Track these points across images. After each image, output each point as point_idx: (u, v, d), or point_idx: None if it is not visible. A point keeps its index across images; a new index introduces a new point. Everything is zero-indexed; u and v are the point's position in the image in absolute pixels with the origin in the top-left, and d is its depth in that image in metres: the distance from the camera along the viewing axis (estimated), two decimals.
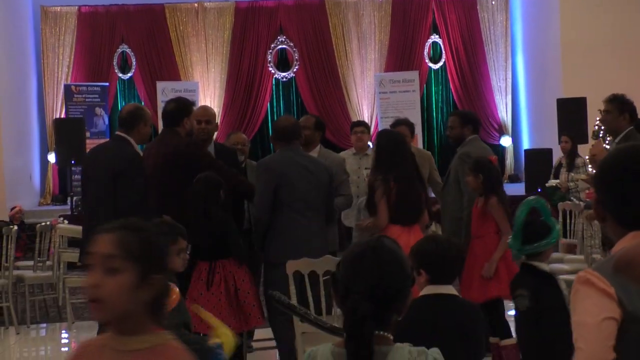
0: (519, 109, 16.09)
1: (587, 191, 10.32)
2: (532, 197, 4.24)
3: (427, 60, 16.14)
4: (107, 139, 14.94)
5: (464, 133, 6.08)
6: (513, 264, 5.35)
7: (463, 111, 7.17)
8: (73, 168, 13.22)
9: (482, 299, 5.17)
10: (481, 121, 6.23)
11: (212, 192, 5.07)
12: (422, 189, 5.47)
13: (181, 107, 5.45)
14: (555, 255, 7.56)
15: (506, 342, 5.18)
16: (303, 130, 6.02)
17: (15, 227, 8.16)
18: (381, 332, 2.04)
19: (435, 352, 2.10)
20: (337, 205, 5.74)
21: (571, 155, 9.55)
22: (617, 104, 5.92)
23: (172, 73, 15.58)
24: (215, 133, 6.10)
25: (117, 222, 1.95)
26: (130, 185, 4.93)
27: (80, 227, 8.83)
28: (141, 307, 1.89)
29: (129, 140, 5.11)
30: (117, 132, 5.24)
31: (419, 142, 14.61)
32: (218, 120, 15.55)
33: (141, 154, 5.13)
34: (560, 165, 9.63)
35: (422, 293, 3.23)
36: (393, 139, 5.38)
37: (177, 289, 2.91)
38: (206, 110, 6.09)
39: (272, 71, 15.98)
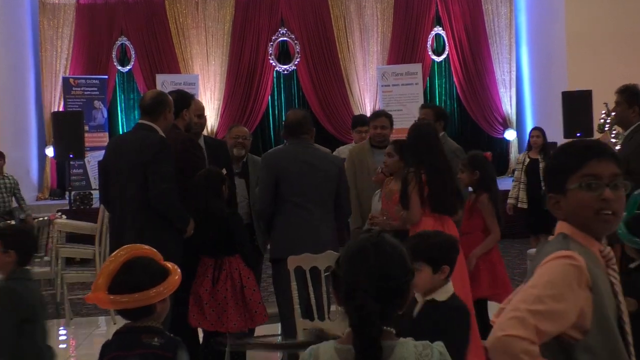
0: (523, 102, 16.04)
1: None
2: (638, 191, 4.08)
3: (430, 53, 16.09)
4: (106, 132, 15.00)
5: (437, 128, 6.00)
6: (496, 267, 5.32)
7: (435, 105, 7.04)
8: (71, 162, 13.21)
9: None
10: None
11: (213, 186, 5.04)
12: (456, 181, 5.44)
13: (181, 99, 5.41)
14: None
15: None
16: None
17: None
18: (385, 327, 2.03)
19: (439, 345, 2.09)
20: None
21: (544, 149, 9.25)
22: (627, 96, 5.81)
23: (172, 66, 15.54)
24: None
25: None
26: (160, 172, 4.86)
27: (78, 223, 8.83)
28: None
29: (154, 128, 5.03)
30: (141, 121, 5.13)
31: None
32: (219, 113, 15.54)
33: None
34: (533, 161, 9.19)
35: None
36: (420, 131, 5.31)
37: (179, 271, 2.84)
38: (200, 103, 6.08)
39: (273, 64, 15.94)
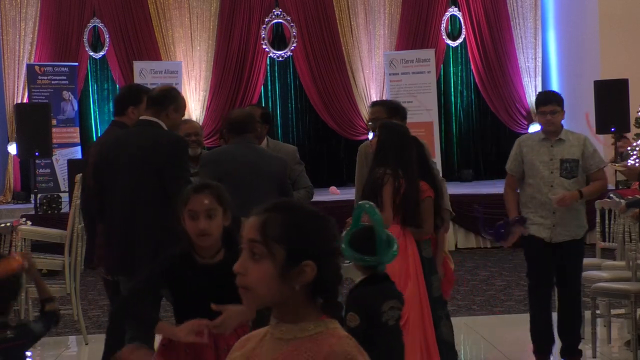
0: None
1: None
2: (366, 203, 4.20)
3: (444, 37, 16.11)
4: (76, 127, 14.99)
5: None
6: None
7: (388, 101, 7.07)
8: (37, 161, 13.21)
9: None
10: (406, 113, 6.19)
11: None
12: (433, 185, 5.54)
13: (129, 95, 5.47)
14: (592, 260, 7.54)
15: None
16: None
17: None
18: None
19: None
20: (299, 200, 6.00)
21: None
22: None
23: (151, 52, 15.55)
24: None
25: (268, 203, 2.06)
26: (185, 177, 4.83)
27: (46, 229, 8.84)
28: (297, 295, 2.01)
29: (158, 123, 4.98)
30: (142, 117, 5.09)
31: (434, 131, 14.60)
32: (204, 106, 15.54)
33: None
34: None
35: None
36: (396, 132, 5.51)
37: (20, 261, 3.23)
38: None
39: (267, 49, 15.95)
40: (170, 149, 4.89)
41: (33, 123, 12.41)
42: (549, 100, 6.08)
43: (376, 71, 15.73)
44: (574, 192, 5.88)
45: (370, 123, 6.25)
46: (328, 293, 2.03)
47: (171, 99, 5.09)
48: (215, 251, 3.60)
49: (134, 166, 4.91)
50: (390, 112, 6.09)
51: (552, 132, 6.02)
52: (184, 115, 5.35)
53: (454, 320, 5.96)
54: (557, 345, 6.13)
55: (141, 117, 5.12)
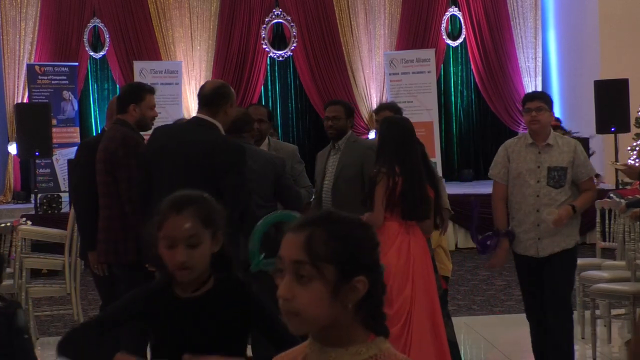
0: (550, 92, 16.05)
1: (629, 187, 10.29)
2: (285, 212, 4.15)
3: (444, 37, 16.10)
4: (77, 127, 14.96)
5: (347, 126, 6.21)
6: None
7: (344, 101, 7.16)
8: (37, 161, 13.20)
9: None
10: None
11: None
12: (432, 185, 5.53)
13: (130, 92, 5.48)
14: (592, 260, 7.54)
15: None
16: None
17: None
18: None
19: None
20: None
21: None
22: None
23: (152, 51, 15.54)
24: None
25: (306, 216, 1.88)
26: (244, 184, 4.77)
27: (46, 229, 8.84)
28: (349, 314, 1.84)
29: (217, 126, 4.90)
30: (199, 115, 4.99)
31: (434, 131, 14.59)
32: None
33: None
34: None
35: None
36: (398, 127, 5.52)
37: None
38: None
39: (267, 49, 15.95)
40: (231, 156, 4.82)
41: (33, 123, 12.40)
42: (534, 96, 5.79)
43: (376, 71, 15.73)
44: (568, 208, 5.45)
45: (329, 121, 6.24)
46: (376, 307, 1.87)
47: (226, 97, 5.00)
48: (202, 282, 2.80)
49: (185, 166, 4.80)
50: (348, 112, 6.27)
51: (537, 132, 5.59)
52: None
53: (454, 320, 5.96)
54: None
55: (197, 115, 5.02)
